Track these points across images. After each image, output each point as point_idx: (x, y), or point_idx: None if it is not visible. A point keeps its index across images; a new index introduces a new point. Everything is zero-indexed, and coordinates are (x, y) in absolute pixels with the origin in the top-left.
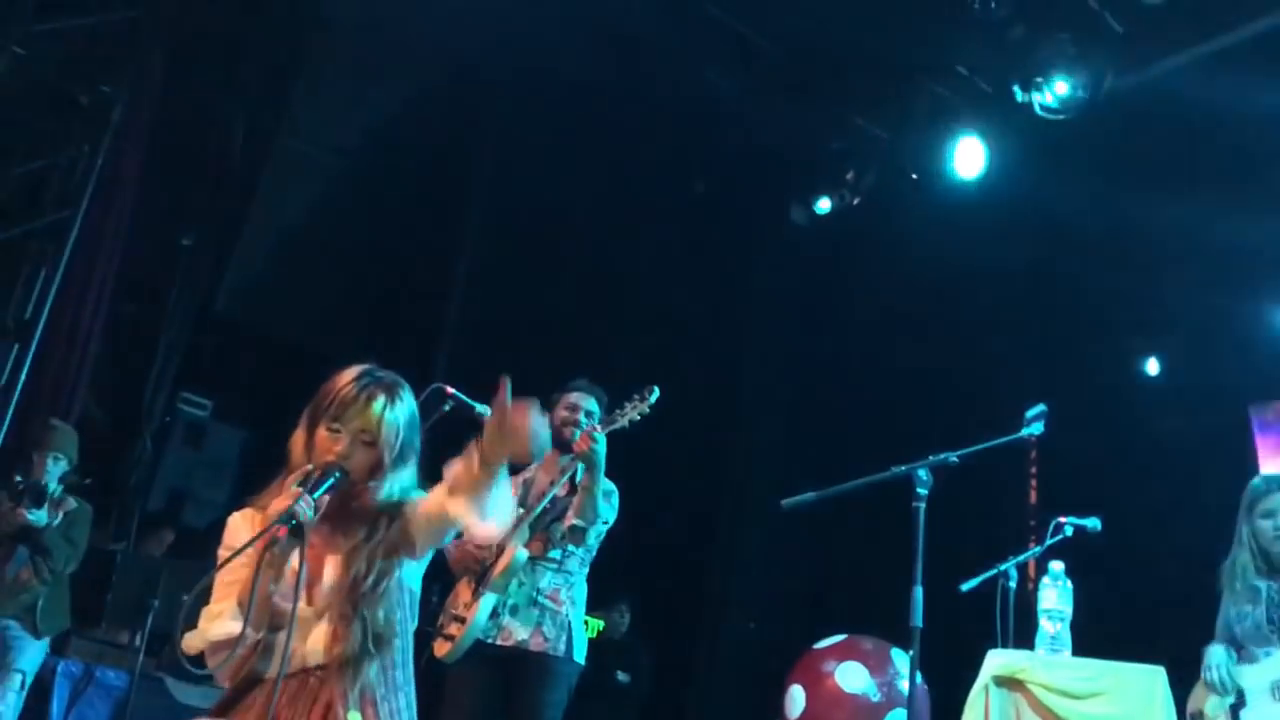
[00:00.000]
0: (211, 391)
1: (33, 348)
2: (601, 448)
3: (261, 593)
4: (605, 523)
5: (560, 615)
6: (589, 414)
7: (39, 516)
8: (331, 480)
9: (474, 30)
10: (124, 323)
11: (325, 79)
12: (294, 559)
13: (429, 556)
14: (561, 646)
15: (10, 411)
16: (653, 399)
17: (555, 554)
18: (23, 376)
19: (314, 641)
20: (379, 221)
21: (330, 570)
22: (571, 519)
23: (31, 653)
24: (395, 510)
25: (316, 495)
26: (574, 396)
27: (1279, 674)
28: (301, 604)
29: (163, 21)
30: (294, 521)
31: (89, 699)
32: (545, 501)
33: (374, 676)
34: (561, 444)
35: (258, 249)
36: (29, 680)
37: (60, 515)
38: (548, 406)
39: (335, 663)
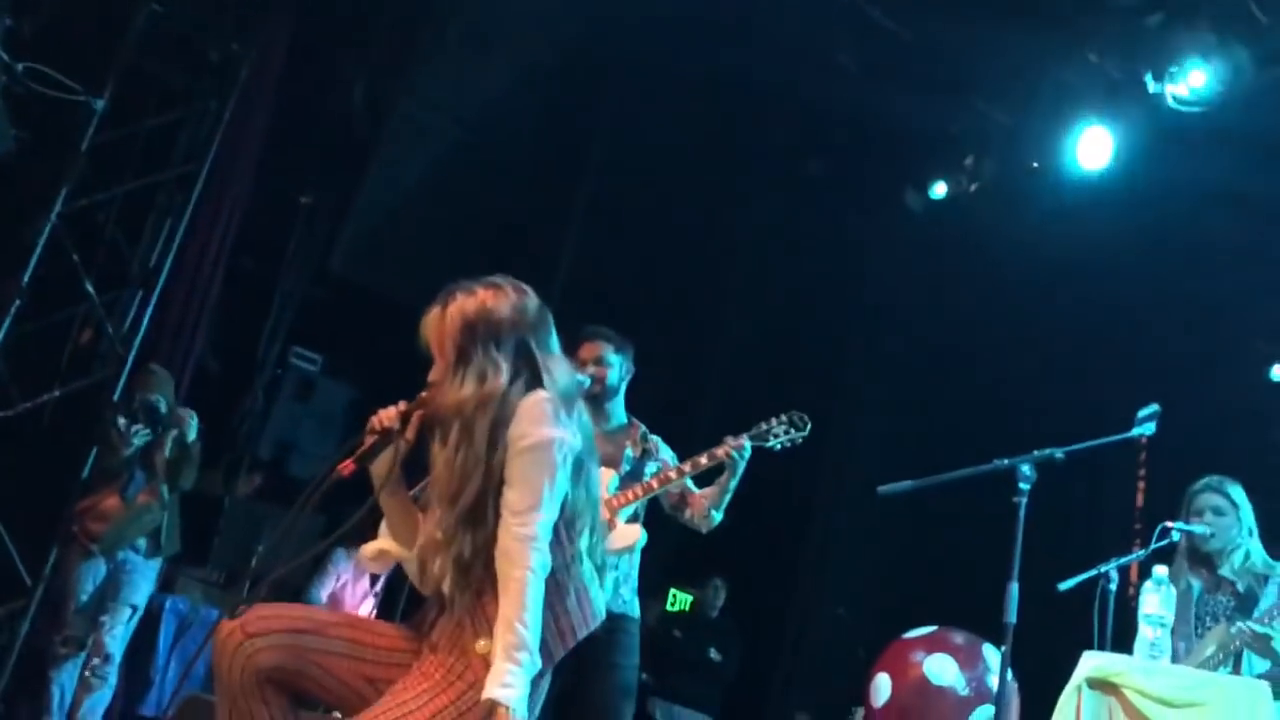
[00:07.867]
0: (322, 347)
1: (155, 295)
2: (747, 456)
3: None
4: None
5: (631, 574)
6: (609, 364)
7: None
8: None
9: (592, 3)
10: (242, 276)
11: (446, 48)
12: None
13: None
14: (636, 608)
15: (132, 355)
16: (804, 431)
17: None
18: (144, 322)
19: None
20: (493, 189)
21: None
22: (709, 512)
23: (144, 588)
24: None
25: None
26: (594, 346)
27: None
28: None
29: None
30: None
31: (193, 635)
32: (662, 488)
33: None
34: (588, 397)
35: (374, 210)
36: (139, 614)
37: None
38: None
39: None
